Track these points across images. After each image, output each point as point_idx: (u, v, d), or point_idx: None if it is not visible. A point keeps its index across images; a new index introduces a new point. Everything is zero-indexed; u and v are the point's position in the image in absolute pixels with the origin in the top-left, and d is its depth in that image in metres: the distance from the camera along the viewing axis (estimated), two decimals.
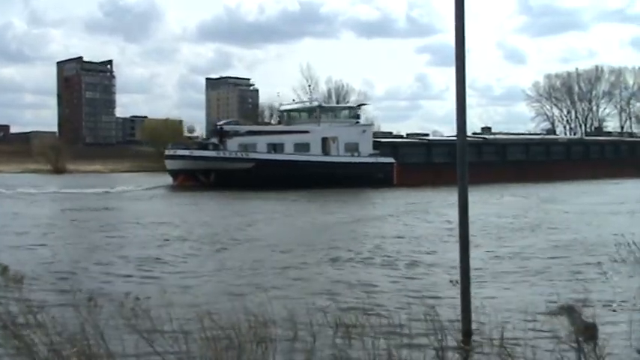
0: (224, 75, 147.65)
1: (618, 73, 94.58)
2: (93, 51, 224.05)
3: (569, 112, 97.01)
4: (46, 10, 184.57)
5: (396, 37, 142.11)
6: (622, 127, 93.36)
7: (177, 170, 40.57)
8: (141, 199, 31.68)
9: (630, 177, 43.28)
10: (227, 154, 40.23)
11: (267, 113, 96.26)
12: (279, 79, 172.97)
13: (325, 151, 42.44)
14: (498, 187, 32.92)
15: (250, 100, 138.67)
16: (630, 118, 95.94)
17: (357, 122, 45.79)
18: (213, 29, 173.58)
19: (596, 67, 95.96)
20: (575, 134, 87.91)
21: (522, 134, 71.76)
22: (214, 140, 41.93)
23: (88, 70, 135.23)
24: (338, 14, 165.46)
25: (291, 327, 6.22)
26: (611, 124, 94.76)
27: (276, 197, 29.93)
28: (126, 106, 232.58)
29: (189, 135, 44.64)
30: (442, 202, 22.65)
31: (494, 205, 24.01)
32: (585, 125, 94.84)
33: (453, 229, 11.74)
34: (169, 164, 41.58)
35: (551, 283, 8.77)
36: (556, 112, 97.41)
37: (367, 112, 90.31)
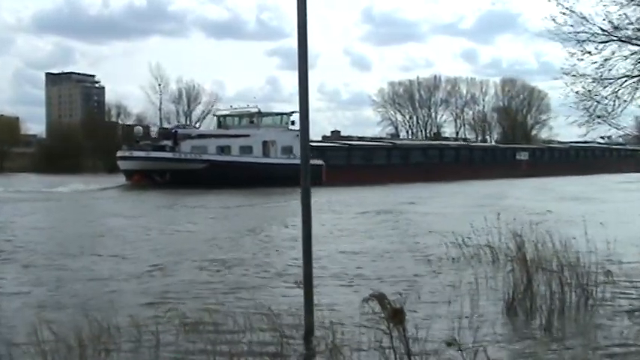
0: (66, 70, 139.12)
1: (454, 82, 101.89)
2: None
3: (411, 117, 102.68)
4: None
5: (246, 39, 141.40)
6: (457, 133, 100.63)
7: (132, 170, 43.33)
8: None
9: (504, 177, 49.97)
10: (183, 156, 43.98)
11: (114, 112, 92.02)
12: (127, 78, 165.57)
13: (265, 153, 46.77)
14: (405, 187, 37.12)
15: (96, 98, 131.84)
16: (464, 125, 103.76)
17: (289, 128, 48.86)
18: (52, 21, 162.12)
19: (435, 76, 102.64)
20: (416, 138, 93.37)
21: (376, 138, 75.70)
22: (169, 143, 45.26)
23: None
24: (187, 13, 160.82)
25: (134, 332, 6.01)
26: (448, 130, 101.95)
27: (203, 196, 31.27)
28: None
29: (137, 138, 48.95)
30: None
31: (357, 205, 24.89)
32: (425, 130, 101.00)
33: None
34: (123, 164, 44.46)
35: (383, 280, 9.23)
36: (399, 117, 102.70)
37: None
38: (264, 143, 46.99)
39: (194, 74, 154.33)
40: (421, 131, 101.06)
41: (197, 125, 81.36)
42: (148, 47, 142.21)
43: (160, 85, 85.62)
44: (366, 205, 24.45)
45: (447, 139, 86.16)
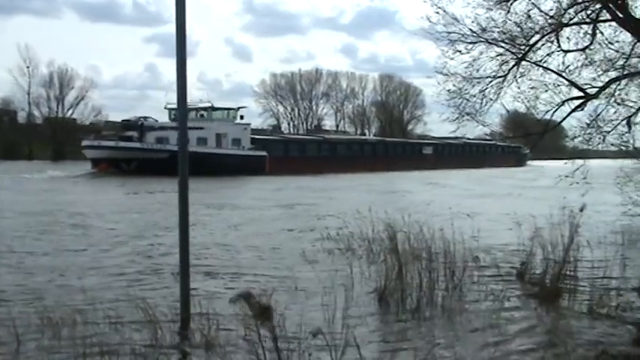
0: None
1: (334, 76, 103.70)
2: None
3: (292, 109, 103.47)
4: None
5: (123, 23, 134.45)
6: (337, 126, 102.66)
7: (99, 159, 46.73)
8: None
9: (414, 169, 54.82)
10: (149, 146, 47.32)
11: None
12: None
13: (218, 144, 50.89)
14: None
15: None
16: (344, 118, 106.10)
17: (236, 122, 53.91)
18: None
19: (316, 69, 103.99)
20: (298, 130, 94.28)
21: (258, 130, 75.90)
22: (135, 133, 48.89)
23: None
24: None
25: None
26: (329, 123, 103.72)
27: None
28: None
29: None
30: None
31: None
32: (307, 123, 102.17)
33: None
34: (90, 153, 47.99)
35: (261, 273, 9.28)
36: (281, 109, 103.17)
37: (94, 101, 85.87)
38: (217, 135, 51.15)
39: (67, 58, 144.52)
40: (302, 123, 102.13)
41: (71, 112, 78.07)
42: (15, 26, 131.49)
43: (28, 67, 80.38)
44: (272, 199, 24.44)
45: (327, 131, 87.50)
